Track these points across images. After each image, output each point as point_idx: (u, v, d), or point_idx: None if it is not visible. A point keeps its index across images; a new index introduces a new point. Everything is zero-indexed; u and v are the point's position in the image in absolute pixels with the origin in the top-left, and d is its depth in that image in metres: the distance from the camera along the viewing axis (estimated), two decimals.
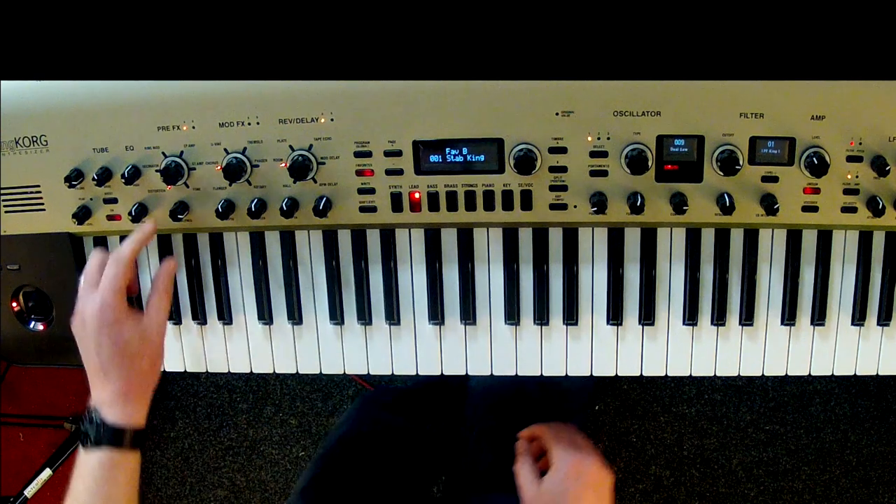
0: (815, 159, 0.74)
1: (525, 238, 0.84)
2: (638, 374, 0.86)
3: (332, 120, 0.78)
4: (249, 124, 0.79)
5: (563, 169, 0.78)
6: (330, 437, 1.09)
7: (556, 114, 0.76)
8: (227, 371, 0.91)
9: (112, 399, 0.77)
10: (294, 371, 0.90)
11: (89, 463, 0.75)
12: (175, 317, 0.90)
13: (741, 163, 0.75)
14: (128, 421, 0.77)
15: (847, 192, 0.76)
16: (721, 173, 0.76)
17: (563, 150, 0.77)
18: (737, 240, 0.82)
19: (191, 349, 0.91)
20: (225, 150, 0.80)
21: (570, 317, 0.84)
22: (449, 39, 0.70)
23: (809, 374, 0.85)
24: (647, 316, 0.84)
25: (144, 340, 0.79)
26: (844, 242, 0.82)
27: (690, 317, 0.84)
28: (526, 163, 0.76)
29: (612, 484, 0.80)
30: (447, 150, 0.78)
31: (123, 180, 0.81)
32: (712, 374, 0.85)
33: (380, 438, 1.03)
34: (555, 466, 0.80)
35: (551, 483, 0.79)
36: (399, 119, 0.77)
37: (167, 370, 0.92)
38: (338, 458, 1.02)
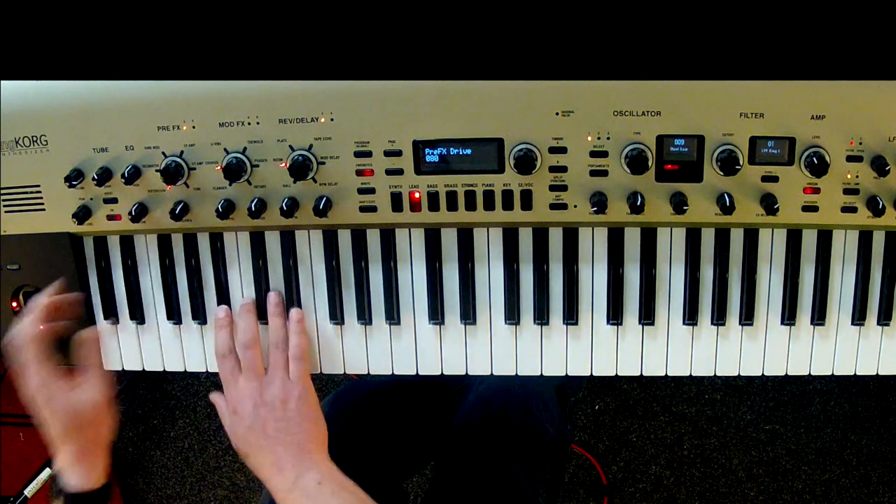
0: (815, 159, 0.74)
1: (525, 238, 0.84)
2: (638, 373, 0.86)
3: (332, 120, 0.78)
4: (249, 124, 0.79)
5: (563, 169, 0.78)
6: None
7: (556, 114, 0.76)
8: None
9: (70, 464, 0.82)
10: None
11: None
12: (175, 317, 0.90)
13: (741, 163, 0.75)
14: (89, 484, 0.83)
15: (847, 191, 0.76)
16: (721, 173, 0.76)
17: (563, 150, 0.77)
18: (737, 240, 0.82)
19: (191, 349, 0.91)
20: (225, 149, 0.80)
21: (570, 316, 0.85)
22: (449, 39, 0.70)
23: (809, 374, 0.85)
24: (647, 316, 0.84)
25: (81, 411, 0.83)
26: (844, 242, 0.82)
27: (690, 317, 0.84)
28: (526, 163, 0.76)
29: (257, 391, 0.82)
30: (447, 149, 0.78)
31: (123, 180, 0.81)
32: (712, 374, 0.85)
33: (352, 433, 1.04)
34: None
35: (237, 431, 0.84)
36: (399, 119, 0.77)
37: (167, 370, 0.92)
38: None
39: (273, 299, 0.87)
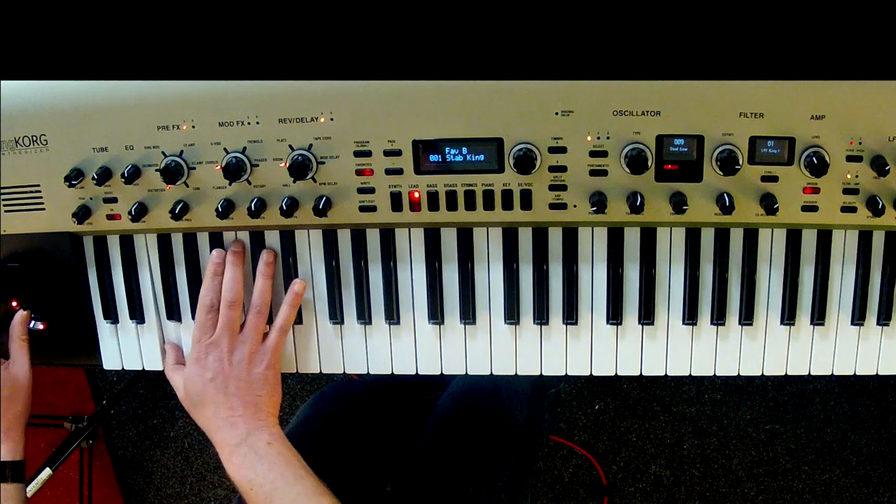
0: (814, 159, 0.74)
1: (525, 238, 0.84)
2: (638, 373, 0.86)
3: (332, 120, 0.78)
4: (249, 124, 0.79)
5: (563, 168, 0.78)
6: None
7: (556, 113, 0.76)
8: None
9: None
10: (294, 371, 0.90)
11: None
12: (175, 316, 0.90)
13: (741, 162, 0.75)
14: (11, 456, 0.86)
15: (847, 191, 0.76)
16: (721, 173, 0.76)
17: (562, 150, 0.77)
18: (736, 239, 0.82)
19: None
20: (225, 149, 0.80)
21: (570, 316, 0.85)
22: (449, 39, 0.70)
23: (809, 374, 0.85)
24: (647, 315, 0.84)
25: (14, 387, 0.87)
26: (844, 242, 0.82)
27: (690, 316, 0.84)
28: (526, 162, 0.76)
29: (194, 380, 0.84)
30: (447, 149, 0.78)
31: (123, 180, 0.81)
32: (712, 374, 0.85)
33: (333, 433, 1.04)
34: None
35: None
36: (399, 119, 0.77)
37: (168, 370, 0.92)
38: None
39: (265, 258, 0.86)
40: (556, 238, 0.84)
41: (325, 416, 1.07)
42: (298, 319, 0.88)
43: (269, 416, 0.83)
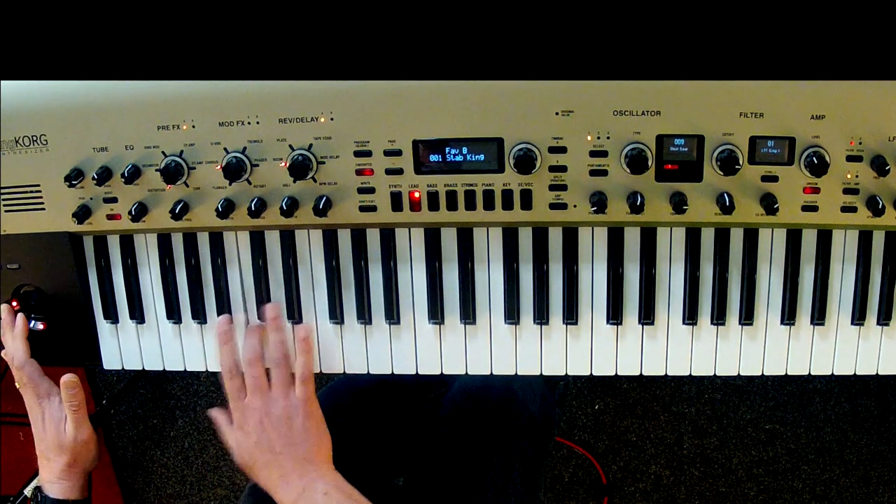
0: (814, 159, 0.74)
1: (525, 237, 0.84)
2: (638, 373, 0.86)
3: (332, 119, 0.78)
4: (249, 124, 0.79)
5: (563, 168, 0.78)
6: None
7: (556, 113, 0.76)
8: None
9: (54, 478, 0.89)
10: None
11: None
12: (175, 316, 0.90)
13: (741, 162, 0.75)
14: (68, 496, 0.88)
15: (847, 191, 0.76)
16: (721, 173, 0.76)
17: (562, 150, 0.77)
18: (737, 239, 0.82)
19: (191, 348, 0.91)
20: (225, 149, 0.80)
21: (570, 316, 0.85)
22: (449, 39, 0.70)
23: (809, 374, 0.85)
24: (647, 315, 0.84)
25: (87, 449, 0.90)
26: (844, 242, 0.82)
27: (690, 316, 0.84)
28: (526, 162, 0.76)
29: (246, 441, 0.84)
30: (447, 149, 0.78)
31: (123, 179, 0.81)
32: (712, 374, 0.85)
33: (337, 429, 1.04)
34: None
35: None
36: (399, 119, 0.77)
37: (167, 370, 0.92)
38: None
39: (271, 313, 0.86)
40: (556, 238, 0.84)
41: (332, 410, 1.07)
42: (299, 319, 0.88)
43: (321, 466, 0.82)
